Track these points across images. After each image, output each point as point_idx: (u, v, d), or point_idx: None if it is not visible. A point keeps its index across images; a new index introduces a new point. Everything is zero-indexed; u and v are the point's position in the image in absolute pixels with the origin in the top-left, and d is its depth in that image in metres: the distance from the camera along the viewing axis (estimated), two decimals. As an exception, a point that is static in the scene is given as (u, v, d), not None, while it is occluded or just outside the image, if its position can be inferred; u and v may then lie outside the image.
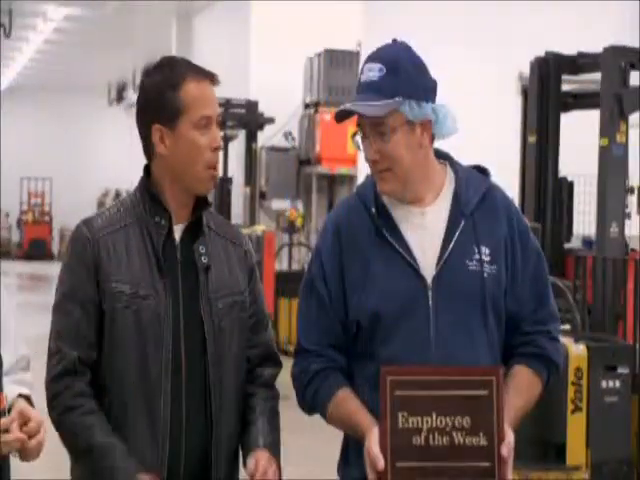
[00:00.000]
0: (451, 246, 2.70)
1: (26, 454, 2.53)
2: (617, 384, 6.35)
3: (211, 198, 2.89)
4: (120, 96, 28.10)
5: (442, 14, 12.38)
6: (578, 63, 8.82)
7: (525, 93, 9.58)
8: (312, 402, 2.75)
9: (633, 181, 8.67)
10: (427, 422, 2.49)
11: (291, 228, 13.99)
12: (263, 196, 14.92)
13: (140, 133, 2.83)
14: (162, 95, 2.74)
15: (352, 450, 2.71)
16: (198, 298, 2.76)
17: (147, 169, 2.85)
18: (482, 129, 11.31)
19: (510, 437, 2.51)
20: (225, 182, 14.32)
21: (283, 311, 12.44)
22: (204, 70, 2.81)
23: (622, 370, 6.38)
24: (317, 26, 14.36)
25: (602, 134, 8.09)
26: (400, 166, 2.68)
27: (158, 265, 2.75)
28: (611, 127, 8.00)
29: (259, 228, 12.72)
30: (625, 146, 8.04)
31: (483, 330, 2.71)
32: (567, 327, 6.46)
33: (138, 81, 3.01)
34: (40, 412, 2.61)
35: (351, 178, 14.03)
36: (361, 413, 2.64)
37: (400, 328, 2.66)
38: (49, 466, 4.50)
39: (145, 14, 20.97)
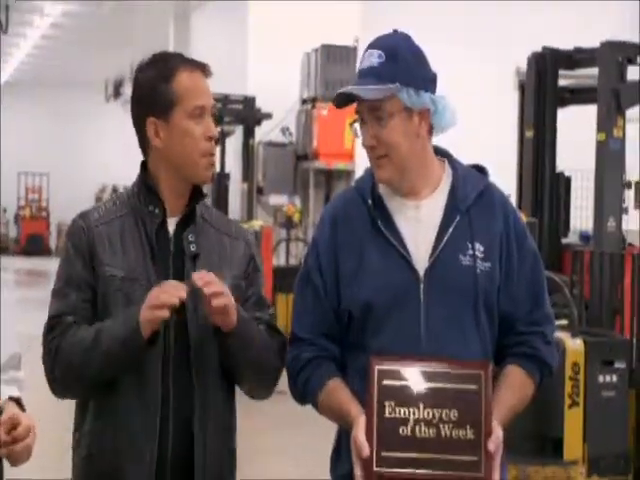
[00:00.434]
0: (445, 240, 2.70)
1: (14, 458, 2.54)
2: (614, 379, 6.36)
3: (209, 194, 2.88)
4: (117, 92, 28.06)
5: (441, 13, 12.39)
6: (575, 58, 8.84)
7: (522, 88, 9.58)
8: (303, 390, 2.75)
9: (633, 176, 8.68)
10: (414, 413, 2.49)
11: (289, 223, 13.97)
12: (260, 191, 14.89)
13: (135, 128, 2.84)
14: (155, 89, 2.76)
15: (344, 445, 2.70)
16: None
17: (144, 165, 2.86)
18: (482, 129, 11.33)
19: (498, 432, 2.50)
20: (222, 178, 14.31)
21: (281, 306, 12.44)
22: (196, 61, 2.82)
23: (619, 365, 6.39)
24: (315, 23, 14.33)
25: (599, 129, 8.09)
26: (397, 153, 2.68)
27: (152, 253, 2.77)
28: (608, 122, 8.00)
29: (257, 223, 12.71)
30: (622, 141, 8.05)
31: (474, 325, 2.70)
32: (564, 322, 6.47)
33: (135, 77, 3.01)
34: (34, 410, 2.61)
35: (348, 173, 14.01)
36: (351, 403, 2.63)
37: (391, 320, 2.67)
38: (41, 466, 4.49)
39: (143, 11, 20.96)
